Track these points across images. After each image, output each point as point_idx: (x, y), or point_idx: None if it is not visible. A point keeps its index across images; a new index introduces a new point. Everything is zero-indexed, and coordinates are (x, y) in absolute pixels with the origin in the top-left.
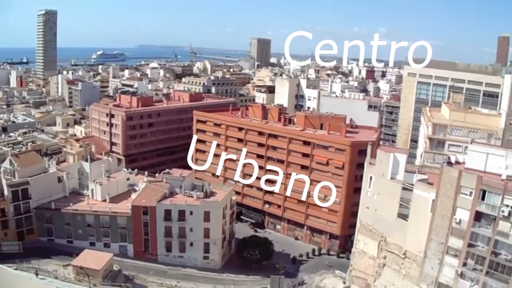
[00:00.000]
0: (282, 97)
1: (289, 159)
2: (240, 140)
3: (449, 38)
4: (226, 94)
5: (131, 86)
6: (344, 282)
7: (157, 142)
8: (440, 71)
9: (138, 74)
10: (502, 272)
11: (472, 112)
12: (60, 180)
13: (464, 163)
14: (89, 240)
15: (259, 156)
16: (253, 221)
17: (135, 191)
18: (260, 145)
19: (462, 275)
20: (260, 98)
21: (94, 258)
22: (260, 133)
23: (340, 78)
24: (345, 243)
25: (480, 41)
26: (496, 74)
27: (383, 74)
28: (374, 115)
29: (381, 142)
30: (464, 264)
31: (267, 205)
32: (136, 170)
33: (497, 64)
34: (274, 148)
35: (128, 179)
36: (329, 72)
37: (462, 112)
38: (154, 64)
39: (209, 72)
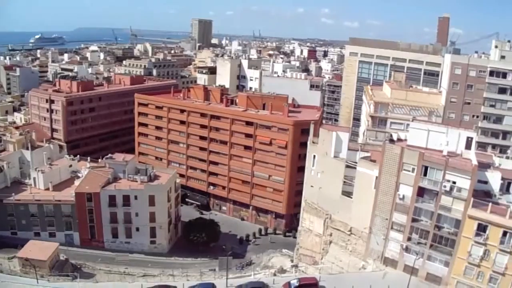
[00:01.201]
0: (224, 78)
1: (232, 140)
2: (182, 122)
3: (390, 18)
4: (167, 76)
5: (71, 70)
6: (292, 261)
7: (99, 127)
8: (382, 51)
9: (78, 58)
10: (446, 245)
11: (413, 90)
12: (0, 170)
13: (406, 140)
14: (34, 230)
15: (202, 138)
16: (199, 203)
17: (78, 178)
18: (203, 126)
19: (407, 249)
20: (202, 79)
21: (39, 249)
22: (203, 115)
23: (282, 58)
24: (291, 222)
25: (421, 21)
26: (437, 54)
27: (325, 54)
28: (316, 94)
29: (323, 121)
30: (409, 239)
31: (211, 187)
32: (78, 156)
33: (438, 44)
34: (217, 129)
35: (70, 166)
36: (271, 52)
37: (403, 91)
38: (94, 47)
39: (150, 54)
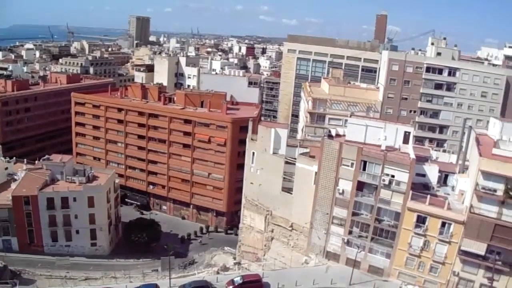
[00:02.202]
0: (161, 76)
1: (171, 139)
2: (120, 121)
3: (328, 16)
4: (105, 74)
5: (5, 69)
6: (235, 258)
7: (36, 127)
8: (320, 48)
9: (13, 56)
10: (386, 237)
11: (351, 86)
12: None
13: (344, 136)
14: None
15: (140, 137)
16: (139, 203)
17: (14, 180)
18: (141, 125)
19: (348, 243)
20: (140, 77)
21: None
22: (141, 113)
23: (220, 55)
24: (232, 220)
25: (359, 19)
26: (374, 50)
27: (264, 51)
28: (255, 91)
29: (262, 118)
30: (350, 232)
31: (151, 186)
32: (14, 158)
33: (375, 41)
34: (155, 128)
35: (6, 168)
36: (209, 49)
37: (341, 87)
38: (29, 45)
39: (87, 52)
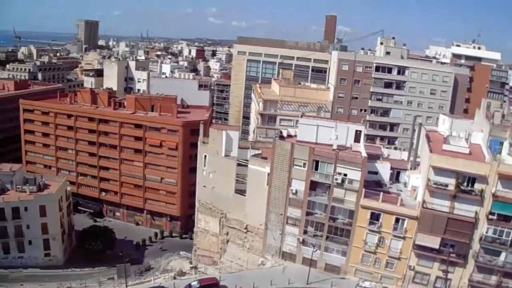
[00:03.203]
0: (111, 80)
1: (122, 144)
2: (70, 128)
3: (278, 17)
4: (53, 80)
5: None
6: (191, 262)
7: None
8: (270, 49)
9: None
10: (341, 235)
11: (302, 87)
12: None
13: (296, 136)
14: None
15: (91, 143)
16: (91, 211)
17: None
18: (91, 131)
19: (304, 242)
20: (89, 82)
21: None
22: (91, 119)
23: (170, 58)
24: (187, 224)
25: (308, 20)
26: (324, 51)
27: (214, 53)
28: (205, 94)
29: (213, 121)
30: (305, 232)
31: (103, 193)
32: None
33: (325, 41)
34: (106, 133)
35: None
36: (158, 53)
37: (291, 88)
38: None
39: (35, 58)
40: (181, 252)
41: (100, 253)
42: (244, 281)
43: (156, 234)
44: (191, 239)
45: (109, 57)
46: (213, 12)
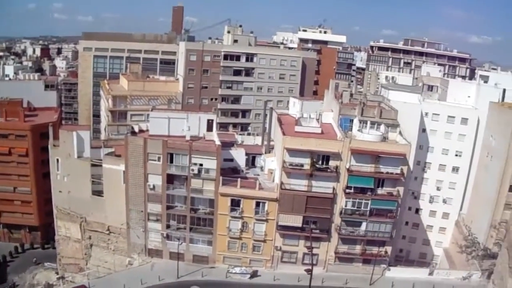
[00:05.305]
0: None
1: None
2: None
3: (125, 10)
4: None
5: None
6: (57, 273)
7: None
8: (117, 43)
9: None
10: (205, 225)
11: (151, 80)
12: None
13: (148, 130)
14: None
15: None
16: None
17: None
18: None
19: (168, 237)
20: None
21: None
22: None
23: (13, 59)
24: (48, 233)
25: (155, 11)
26: (172, 42)
27: (59, 51)
28: (52, 94)
29: (63, 122)
30: (168, 226)
31: None
32: None
33: (173, 33)
34: None
35: None
36: (0, 53)
37: (140, 82)
38: None
39: None
40: (45, 264)
41: None
42: (114, 284)
43: (16, 248)
44: (54, 248)
45: None
46: (58, 8)
